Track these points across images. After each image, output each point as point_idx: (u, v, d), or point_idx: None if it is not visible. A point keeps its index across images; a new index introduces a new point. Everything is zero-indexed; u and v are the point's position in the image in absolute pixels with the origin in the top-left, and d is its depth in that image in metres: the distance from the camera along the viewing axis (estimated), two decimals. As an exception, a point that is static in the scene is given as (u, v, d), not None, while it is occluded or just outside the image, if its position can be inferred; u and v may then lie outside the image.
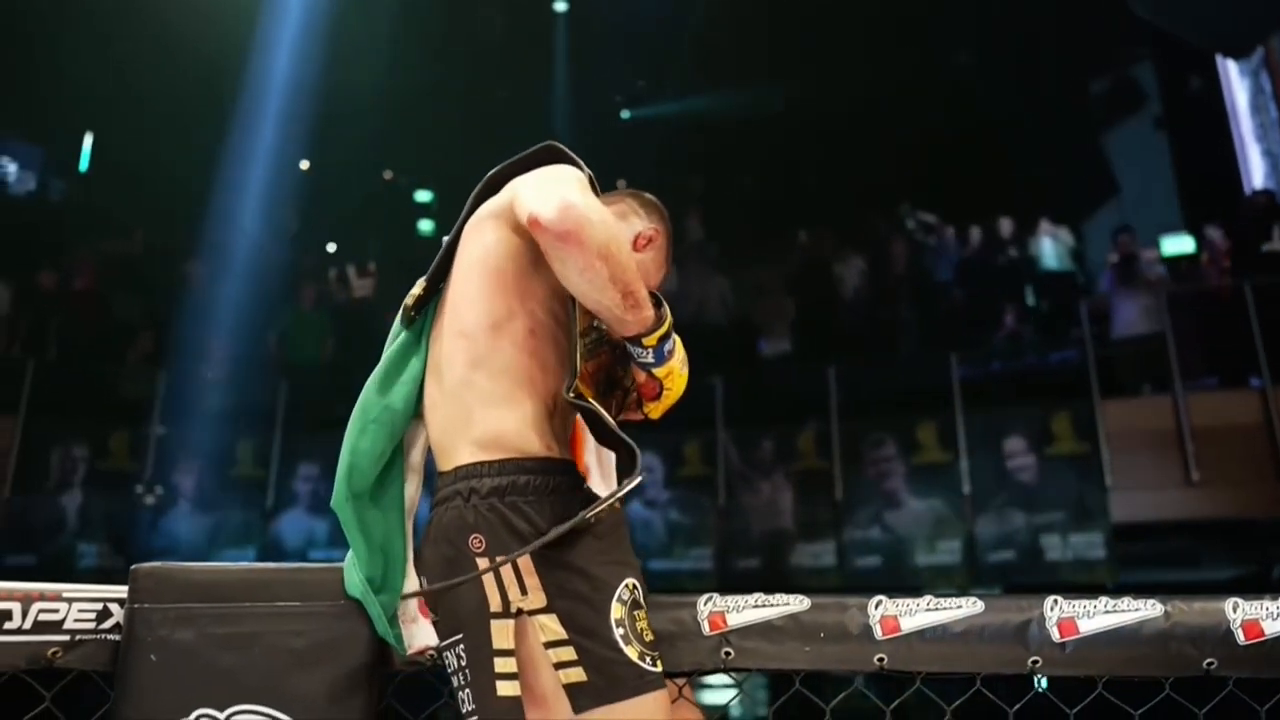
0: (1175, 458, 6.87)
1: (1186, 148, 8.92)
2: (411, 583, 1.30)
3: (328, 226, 11.07)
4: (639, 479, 1.27)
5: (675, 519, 7.91)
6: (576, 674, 1.16)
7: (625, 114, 13.29)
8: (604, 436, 1.29)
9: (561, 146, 1.40)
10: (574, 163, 1.35)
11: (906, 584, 7.27)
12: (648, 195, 1.61)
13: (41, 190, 11.55)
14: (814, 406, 7.83)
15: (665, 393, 1.35)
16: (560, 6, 11.53)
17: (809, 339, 8.84)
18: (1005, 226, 10.16)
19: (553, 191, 1.21)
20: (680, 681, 1.33)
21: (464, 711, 1.21)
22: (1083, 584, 6.90)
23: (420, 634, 1.28)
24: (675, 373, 1.33)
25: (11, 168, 11.41)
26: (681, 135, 12.37)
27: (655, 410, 1.40)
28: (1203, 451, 6.82)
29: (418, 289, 1.37)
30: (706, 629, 1.29)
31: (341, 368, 8.70)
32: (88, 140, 11.31)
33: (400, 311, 1.37)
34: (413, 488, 1.38)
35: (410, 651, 1.28)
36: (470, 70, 11.54)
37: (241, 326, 8.72)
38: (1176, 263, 8.36)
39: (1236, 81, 8.93)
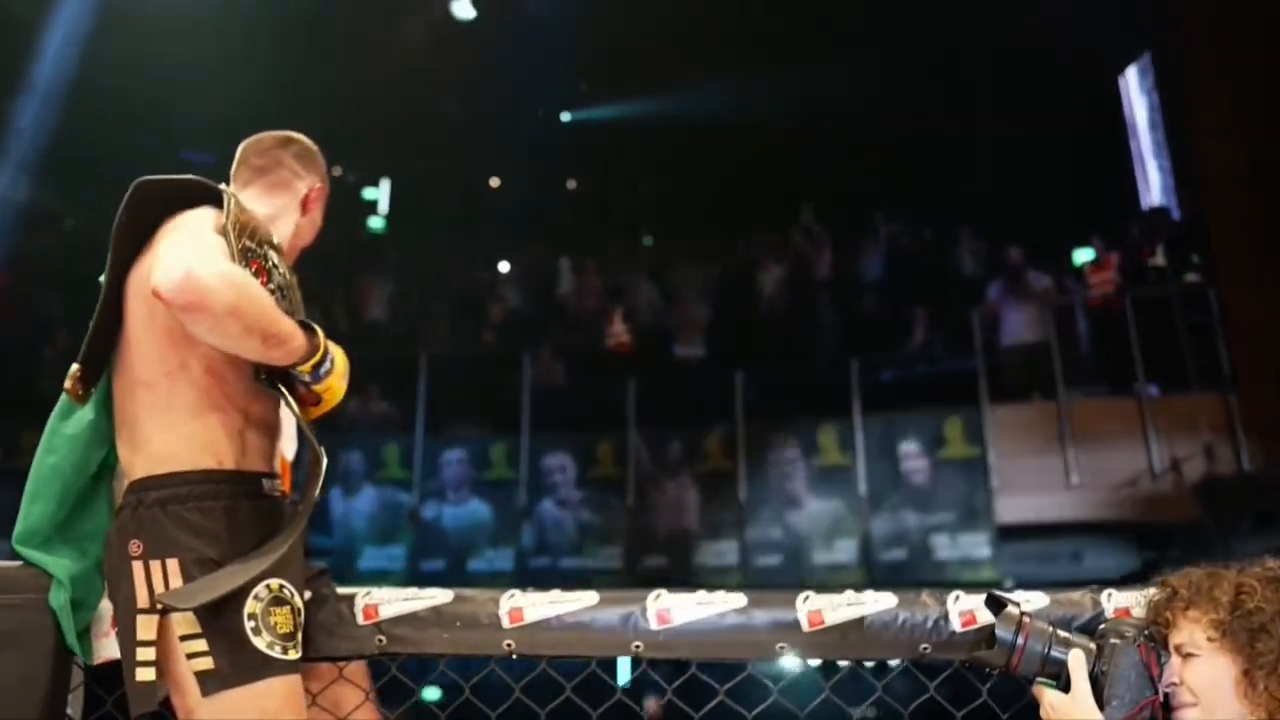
0: (1056, 462, 7.19)
1: (1088, 161, 9.27)
2: (108, 600, 1.47)
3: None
4: (309, 498, 1.45)
5: (586, 518, 8.12)
6: (205, 663, 1.35)
7: (565, 116, 13.40)
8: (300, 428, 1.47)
9: (200, 181, 1.46)
10: (202, 188, 1.46)
11: (805, 582, 7.54)
12: (301, 141, 1.67)
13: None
14: (721, 409, 8.07)
15: (322, 403, 1.51)
16: (467, 10, 11.47)
17: (722, 343, 9.08)
18: (926, 234, 10.52)
19: (175, 261, 1.30)
20: (342, 664, 1.53)
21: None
22: (969, 581, 7.20)
23: (109, 647, 1.46)
24: (333, 388, 1.49)
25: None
26: (621, 138, 12.50)
27: (312, 414, 1.53)
28: (1082, 456, 7.15)
29: (75, 372, 1.46)
30: (362, 619, 1.49)
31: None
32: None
33: (64, 395, 1.47)
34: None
35: (96, 662, 1.46)
36: (417, 70, 11.62)
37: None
38: (1079, 273, 8.71)
39: (1136, 97, 9.29)
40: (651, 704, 5.03)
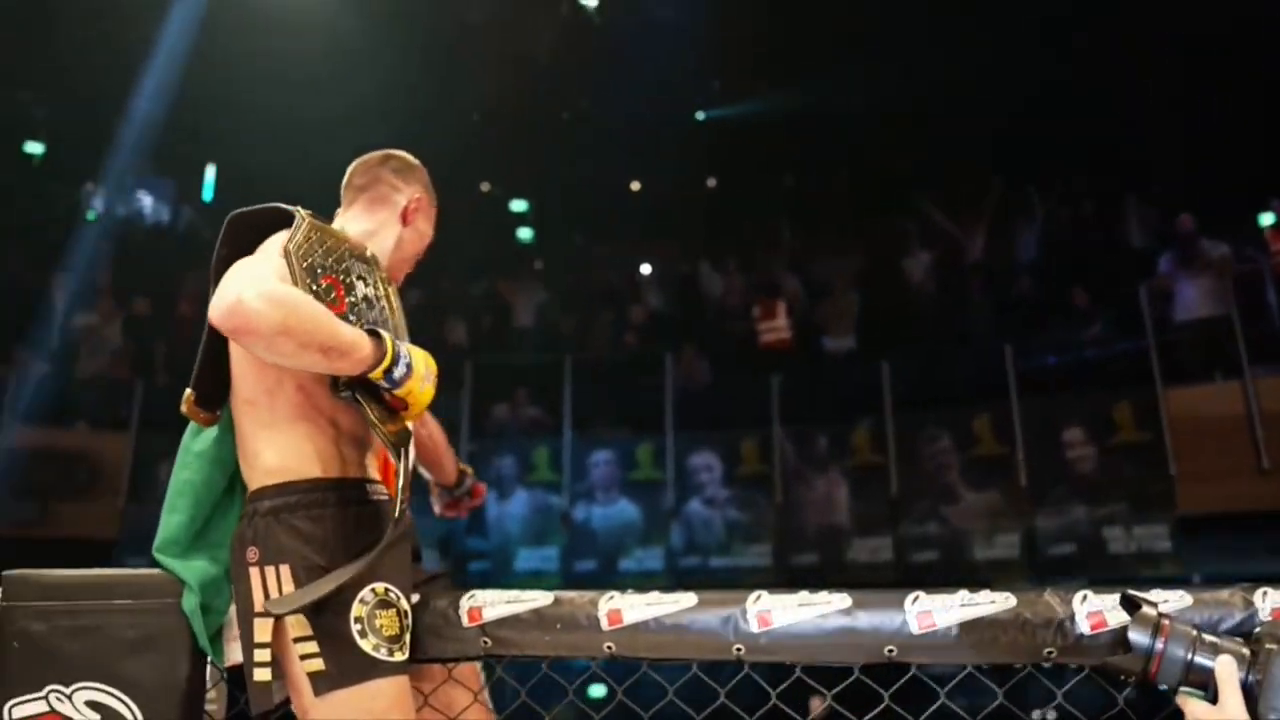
0: (1245, 444, 6.60)
1: (1266, 113, 8.42)
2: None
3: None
4: (399, 517, 1.47)
5: (734, 516, 8.07)
6: (317, 664, 1.41)
7: (700, 115, 13.38)
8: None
9: (280, 207, 1.54)
10: (281, 213, 1.53)
11: (965, 578, 7.20)
12: (400, 156, 1.73)
13: (174, 221, 12.63)
14: (868, 402, 7.85)
15: (409, 407, 1.51)
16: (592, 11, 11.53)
17: (870, 334, 8.82)
18: (1088, 207, 9.85)
19: (226, 289, 1.35)
20: (451, 666, 1.56)
21: None
22: (1149, 577, 6.70)
23: (239, 650, 1.53)
24: (414, 391, 1.49)
25: (148, 200, 12.52)
26: (756, 133, 12.37)
27: (404, 419, 1.53)
28: (1276, 438, 6.53)
29: (189, 396, 1.54)
30: (467, 621, 1.51)
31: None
32: (210, 172, 12.21)
33: (190, 425, 1.58)
34: None
35: (227, 664, 1.55)
36: (552, 82, 11.87)
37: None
38: (1260, 239, 7.95)
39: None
40: (816, 703, 4.91)
